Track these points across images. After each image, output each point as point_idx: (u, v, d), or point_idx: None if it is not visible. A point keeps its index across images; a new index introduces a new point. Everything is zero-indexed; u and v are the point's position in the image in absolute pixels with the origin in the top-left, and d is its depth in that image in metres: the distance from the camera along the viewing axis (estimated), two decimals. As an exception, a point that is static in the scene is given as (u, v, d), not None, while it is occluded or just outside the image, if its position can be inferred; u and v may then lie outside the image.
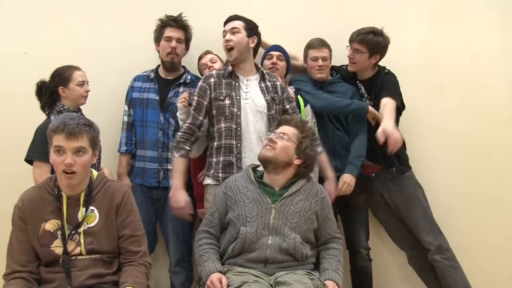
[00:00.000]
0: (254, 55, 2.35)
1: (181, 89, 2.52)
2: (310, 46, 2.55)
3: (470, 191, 2.75)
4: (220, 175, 2.16)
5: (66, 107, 2.27)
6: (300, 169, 2.00)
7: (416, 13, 2.80)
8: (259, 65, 2.38)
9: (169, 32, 2.49)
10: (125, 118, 2.58)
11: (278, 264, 1.87)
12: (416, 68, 2.78)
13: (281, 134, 1.98)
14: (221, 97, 2.19)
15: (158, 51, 2.56)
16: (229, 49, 2.22)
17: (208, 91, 2.22)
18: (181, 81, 2.55)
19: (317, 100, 2.45)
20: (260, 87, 2.26)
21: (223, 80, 2.23)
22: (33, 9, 2.69)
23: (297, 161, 1.98)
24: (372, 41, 2.40)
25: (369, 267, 2.53)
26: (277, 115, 2.23)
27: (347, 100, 2.44)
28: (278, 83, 2.32)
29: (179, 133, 2.21)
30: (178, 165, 2.18)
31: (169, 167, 2.49)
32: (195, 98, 2.24)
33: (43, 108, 2.30)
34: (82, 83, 2.28)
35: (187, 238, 2.54)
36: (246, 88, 2.24)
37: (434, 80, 2.78)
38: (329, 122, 2.50)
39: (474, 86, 2.78)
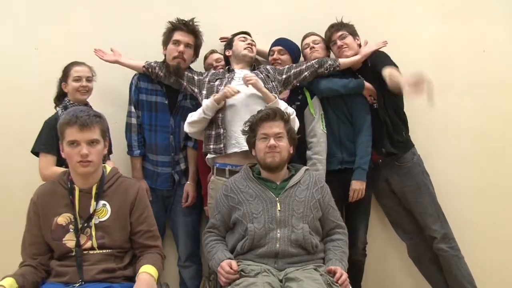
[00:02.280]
0: None
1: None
2: (302, 40, 2.59)
3: (482, 187, 2.72)
4: (211, 146, 2.24)
5: (71, 102, 2.30)
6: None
7: (427, 7, 2.77)
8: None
9: (178, 35, 2.39)
10: (133, 120, 2.47)
11: (288, 258, 1.86)
12: (427, 64, 2.72)
13: (278, 136, 1.97)
14: (213, 80, 2.36)
15: (165, 55, 2.45)
16: (252, 49, 2.42)
17: (203, 76, 2.42)
18: None
19: (320, 83, 2.46)
20: (254, 73, 2.36)
21: (221, 70, 2.47)
22: (44, 6, 2.72)
23: (291, 149, 2.03)
24: (347, 24, 2.52)
25: (363, 262, 2.50)
26: (274, 90, 2.33)
27: (345, 79, 2.46)
28: (267, 66, 2.48)
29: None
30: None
31: (182, 167, 2.51)
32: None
33: (55, 102, 2.36)
34: (78, 78, 2.28)
35: (197, 234, 2.55)
36: (240, 74, 2.34)
37: (445, 75, 2.73)
38: (334, 114, 2.49)
39: (486, 81, 2.74)
